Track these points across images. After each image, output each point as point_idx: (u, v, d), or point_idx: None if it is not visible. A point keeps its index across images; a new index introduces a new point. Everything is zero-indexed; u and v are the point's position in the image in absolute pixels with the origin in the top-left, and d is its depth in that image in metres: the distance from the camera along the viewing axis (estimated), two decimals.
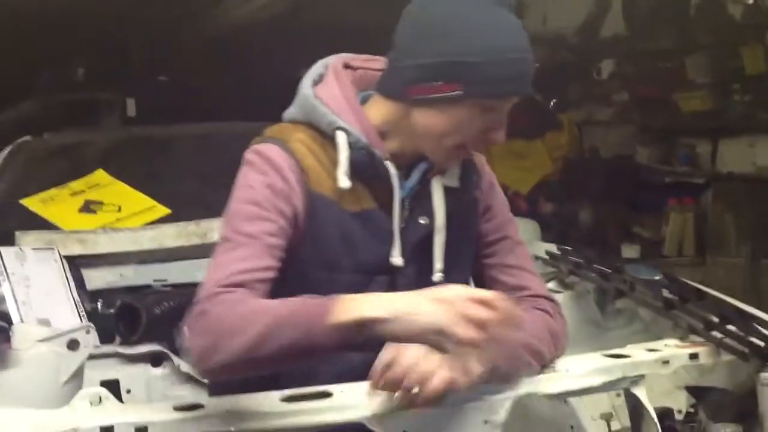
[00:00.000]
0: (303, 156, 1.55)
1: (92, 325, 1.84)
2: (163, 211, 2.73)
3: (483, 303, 1.29)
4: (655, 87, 5.71)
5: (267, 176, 1.53)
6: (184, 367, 2.13)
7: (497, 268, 1.71)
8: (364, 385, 1.42)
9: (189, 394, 2.13)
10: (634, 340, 2.10)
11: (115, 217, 2.67)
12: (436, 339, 1.29)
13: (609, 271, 2.30)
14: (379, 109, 1.59)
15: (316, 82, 1.64)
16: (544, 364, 1.57)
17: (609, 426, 2.06)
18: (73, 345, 1.79)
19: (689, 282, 2.11)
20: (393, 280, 1.60)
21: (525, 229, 2.47)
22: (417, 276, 1.61)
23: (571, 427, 1.98)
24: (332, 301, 1.33)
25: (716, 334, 1.77)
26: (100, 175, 2.89)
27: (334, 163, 1.55)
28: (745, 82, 5.08)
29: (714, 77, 5.28)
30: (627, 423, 1.81)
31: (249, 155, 1.57)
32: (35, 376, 1.76)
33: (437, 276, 1.62)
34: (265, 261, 1.48)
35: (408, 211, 1.61)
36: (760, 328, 1.76)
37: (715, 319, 1.82)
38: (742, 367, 1.72)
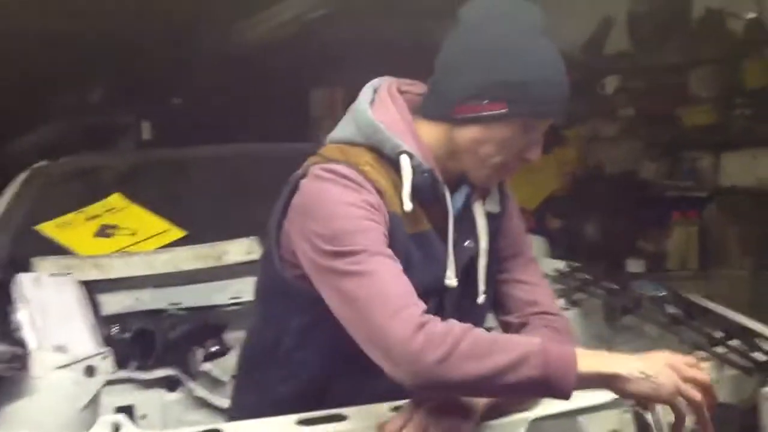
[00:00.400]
0: (375, 177, 1.56)
1: (109, 351, 1.85)
2: (179, 233, 2.76)
3: (696, 367, 1.43)
4: (658, 102, 5.75)
5: (358, 192, 1.51)
6: (199, 392, 2.16)
7: (511, 284, 1.75)
8: (380, 408, 1.47)
9: (203, 418, 2.16)
10: None
11: (131, 241, 2.70)
12: (671, 399, 1.39)
13: (616, 287, 2.34)
14: (428, 133, 1.61)
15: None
16: None
17: None
18: (90, 371, 1.79)
19: (693, 297, 2.15)
20: (442, 301, 1.64)
21: (534, 246, 2.51)
22: (461, 298, 1.66)
23: None
24: (572, 350, 1.41)
25: (720, 349, 1.81)
26: (117, 198, 2.92)
27: (396, 186, 1.57)
28: (746, 95, 5.11)
29: (716, 91, 5.32)
30: None
31: (324, 176, 1.53)
32: (53, 404, 1.76)
33: (481, 298, 1.68)
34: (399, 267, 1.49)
35: (455, 234, 1.64)
36: (762, 343, 1.81)
37: (719, 335, 1.86)
38: (745, 382, 1.76)
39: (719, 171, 5.35)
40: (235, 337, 2.28)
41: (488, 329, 1.54)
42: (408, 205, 1.55)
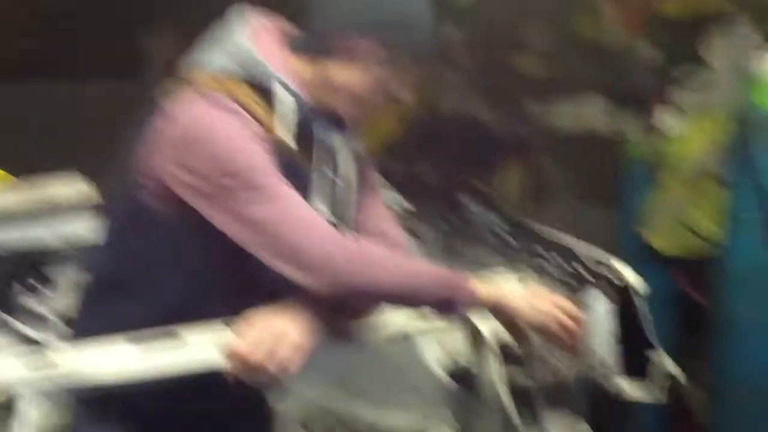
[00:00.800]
0: (255, 109, 1.54)
1: None
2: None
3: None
4: (495, 51, 5.90)
5: (247, 124, 1.52)
6: (25, 329, 2.08)
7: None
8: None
9: None
10: None
11: None
12: (550, 324, 1.58)
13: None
14: (300, 68, 1.60)
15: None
16: None
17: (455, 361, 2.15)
18: None
19: (522, 221, 2.26)
20: None
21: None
22: None
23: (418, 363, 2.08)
24: (467, 275, 1.58)
25: (544, 264, 1.92)
26: None
27: (272, 118, 1.55)
28: (577, 46, 5.31)
29: (548, 42, 5.50)
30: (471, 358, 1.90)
31: (205, 103, 1.52)
32: None
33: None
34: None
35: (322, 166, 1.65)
36: (580, 256, 1.93)
37: (542, 252, 1.97)
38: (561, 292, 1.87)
39: (549, 116, 5.58)
40: (59, 271, 2.20)
41: None
42: (285, 136, 1.55)
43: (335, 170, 1.65)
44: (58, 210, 2.48)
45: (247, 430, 1.76)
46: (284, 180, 1.52)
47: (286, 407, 1.84)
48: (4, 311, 2.09)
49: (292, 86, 1.57)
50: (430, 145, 5.80)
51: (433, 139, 5.79)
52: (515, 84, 5.72)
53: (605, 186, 4.01)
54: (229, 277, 1.57)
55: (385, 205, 1.85)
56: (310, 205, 1.59)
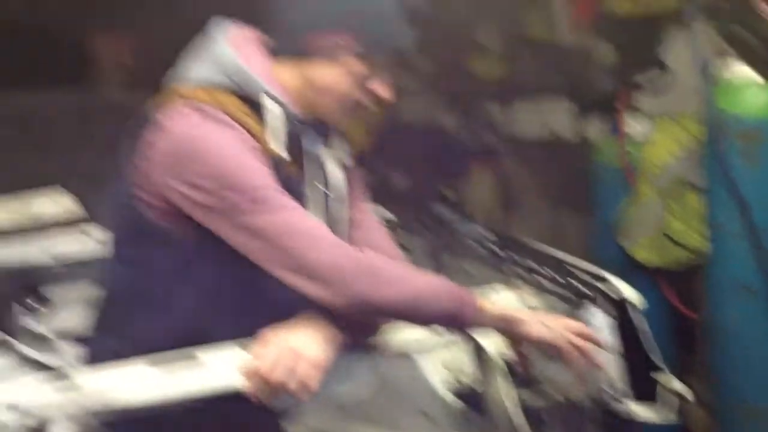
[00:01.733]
0: (246, 120, 1.54)
1: None
2: None
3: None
4: (452, 54, 5.93)
5: (242, 136, 1.51)
6: (27, 351, 2.06)
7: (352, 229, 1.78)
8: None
9: None
10: None
11: None
12: (562, 343, 1.57)
13: (437, 228, 2.46)
14: (283, 75, 1.60)
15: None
16: None
17: (458, 380, 2.16)
18: None
19: (510, 234, 2.30)
20: None
21: None
22: None
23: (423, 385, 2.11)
24: (472, 292, 1.57)
25: (539, 279, 1.96)
26: None
27: (261, 129, 1.55)
28: (532, 47, 5.37)
29: (503, 43, 5.53)
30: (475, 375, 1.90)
31: (197, 116, 1.51)
32: None
33: None
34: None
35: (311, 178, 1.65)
36: (573, 271, 1.97)
37: (535, 266, 2.01)
38: (560, 308, 1.91)
39: (513, 121, 5.64)
40: (57, 292, 2.19)
41: None
42: (277, 148, 1.55)
43: (326, 182, 1.66)
44: (45, 227, 2.47)
45: None
46: (285, 192, 1.51)
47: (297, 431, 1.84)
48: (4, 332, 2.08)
49: (280, 96, 1.56)
50: (396, 154, 5.83)
51: (398, 148, 5.82)
52: (474, 87, 5.77)
53: (576, 193, 3.94)
54: (240, 293, 1.56)
55: (374, 216, 1.84)
56: None
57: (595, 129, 3.95)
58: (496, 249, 2.20)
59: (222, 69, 1.57)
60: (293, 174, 1.59)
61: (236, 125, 1.51)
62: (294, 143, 1.59)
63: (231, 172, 1.47)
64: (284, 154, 1.55)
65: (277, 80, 1.58)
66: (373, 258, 1.53)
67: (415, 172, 5.73)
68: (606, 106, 3.63)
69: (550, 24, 5.24)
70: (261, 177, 1.49)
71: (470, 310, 1.54)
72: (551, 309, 1.91)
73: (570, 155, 4.54)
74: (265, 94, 1.55)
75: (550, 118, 5.23)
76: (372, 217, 1.82)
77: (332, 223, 1.65)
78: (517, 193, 5.27)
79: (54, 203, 2.60)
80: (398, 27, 1.60)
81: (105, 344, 1.63)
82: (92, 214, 2.52)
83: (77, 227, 2.50)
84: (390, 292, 1.49)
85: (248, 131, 1.52)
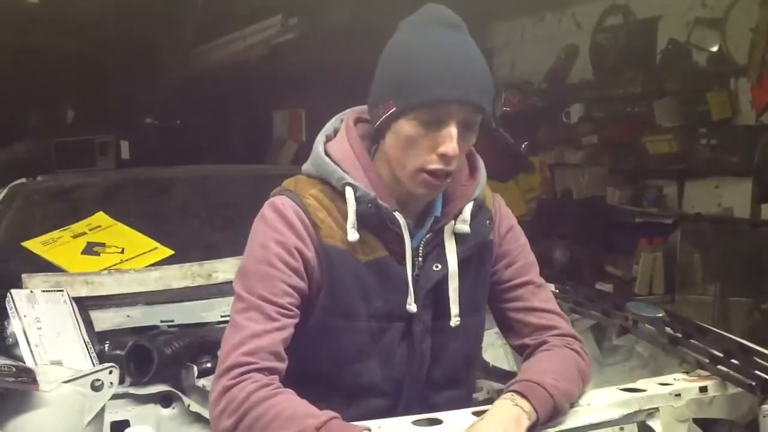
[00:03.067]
0: (315, 210, 1.61)
1: (116, 366, 1.83)
2: (166, 252, 2.72)
3: None
4: (622, 130, 5.86)
5: (279, 233, 1.60)
6: (194, 406, 2.15)
7: (524, 312, 1.75)
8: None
9: None
10: (634, 375, 2.17)
11: (119, 259, 2.66)
12: None
13: (608, 308, 2.38)
14: (379, 157, 1.66)
15: (329, 138, 1.71)
16: (573, 403, 1.63)
17: None
18: (96, 385, 1.78)
19: (690, 319, 2.19)
20: (409, 327, 1.67)
21: None
22: (433, 322, 1.68)
23: None
24: (328, 418, 1.43)
25: (721, 367, 1.85)
26: (101, 217, 2.88)
27: (345, 216, 1.60)
28: (711, 126, 5.25)
29: (680, 121, 5.45)
30: None
31: (265, 210, 1.65)
32: (60, 418, 1.74)
33: (454, 321, 1.68)
34: (279, 322, 1.57)
35: (422, 258, 1.66)
36: (761, 361, 1.85)
37: (719, 354, 1.91)
38: (745, 399, 1.79)
39: (683, 198, 5.48)
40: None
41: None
42: (353, 236, 1.59)
43: (439, 261, 1.65)
44: (222, 290, 2.56)
45: None
46: (270, 306, 1.56)
47: None
48: (177, 388, 2.17)
49: (363, 184, 1.61)
50: (561, 228, 5.76)
51: (564, 222, 5.75)
52: (645, 163, 5.66)
53: (749, 273, 3.80)
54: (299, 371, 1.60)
55: (551, 299, 1.79)
56: (402, 302, 1.63)
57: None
58: (677, 334, 2.10)
59: (313, 160, 1.68)
60: (383, 256, 1.63)
61: (291, 222, 1.60)
62: (380, 225, 1.62)
63: (246, 265, 1.61)
64: (354, 238, 1.59)
65: (367, 167, 1.64)
66: (251, 399, 1.48)
67: (577, 247, 5.64)
68: None
69: (732, 105, 5.14)
70: (258, 284, 1.57)
71: None
72: (735, 401, 1.80)
73: (744, 236, 4.38)
74: (345, 183, 1.61)
75: (722, 194, 5.07)
76: (533, 290, 1.77)
77: (443, 300, 1.66)
78: (684, 274, 5.06)
79: (234, 270, 2.69)
80: (447, 78, 1.53)
81: None
82: None
83: None
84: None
85: (313, 222, 1.61)
